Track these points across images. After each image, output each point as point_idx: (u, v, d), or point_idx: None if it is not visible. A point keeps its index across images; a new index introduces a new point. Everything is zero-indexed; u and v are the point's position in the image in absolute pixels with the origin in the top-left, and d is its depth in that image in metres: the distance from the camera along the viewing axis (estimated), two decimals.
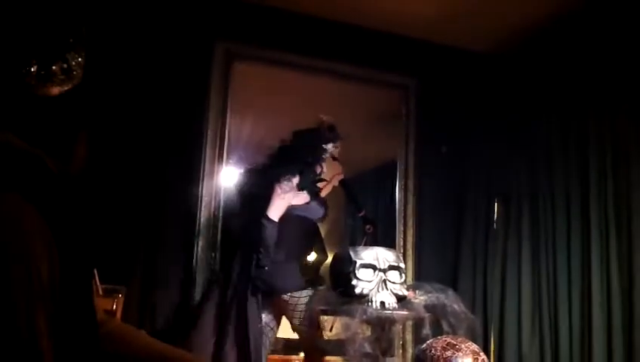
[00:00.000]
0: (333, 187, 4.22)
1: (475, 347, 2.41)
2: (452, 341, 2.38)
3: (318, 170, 3.73)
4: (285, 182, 3.52)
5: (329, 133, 3.93)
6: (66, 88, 1.32)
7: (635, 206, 3.54)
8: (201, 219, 3.89)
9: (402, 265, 3.46)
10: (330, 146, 3.80)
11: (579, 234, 3.83)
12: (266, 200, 3.45)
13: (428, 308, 3.29)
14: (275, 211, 3.46)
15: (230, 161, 4.09)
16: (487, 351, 3.75)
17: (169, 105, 3.87)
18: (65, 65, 1.30)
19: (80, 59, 1.33)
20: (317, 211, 3.76)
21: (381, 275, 3.33)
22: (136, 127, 3.77)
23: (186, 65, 3.96)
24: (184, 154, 3.93)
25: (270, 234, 3.41)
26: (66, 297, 1.23)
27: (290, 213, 3.56)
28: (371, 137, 4.49)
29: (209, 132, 4.02)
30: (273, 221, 3.44)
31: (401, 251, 4.25)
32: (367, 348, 3.02)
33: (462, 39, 4.46)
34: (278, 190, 3.48)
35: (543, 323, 3.94)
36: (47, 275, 1.19)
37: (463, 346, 2.37)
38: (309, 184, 3.67)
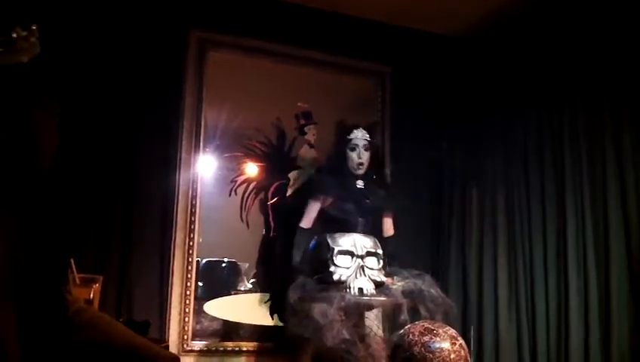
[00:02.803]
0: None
1: (452, 331, 2.43)
2: (430, 326, 2.39)
3: None
4: None
5: (305, 119, 3.95)
6: (8, 62, 1.31)
7: (610, 191, 3.57)
8: (179, 208, 3.88)
9: (380, 252, 3.48)
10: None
11: (554, 218, 3.86)
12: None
13: (405, 293, 3.31)
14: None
15: (207, 150, 4.08)
16: (465, 335, 3.77)
17: (144, 95, 3.84)
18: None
19: (26, 34, 1.32)
20: None
21: (359, 262, 3.35)
22: (111, 117, 3.75)
23: (160, 54, 3.93)
24: (160, 143, 3.90)
25: None
26: (33, 288, 1.21)
27: None
28: (347, 122, 4.49)
29: (185, 121, 4.01)
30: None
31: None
32: (345, 334, 3.04)
33: (436, 24, 4.47)
34: None
35: (520, 307, 3.98)
36: (8, 269, 1.17)
37: (440, 331, 2.38)
38: None
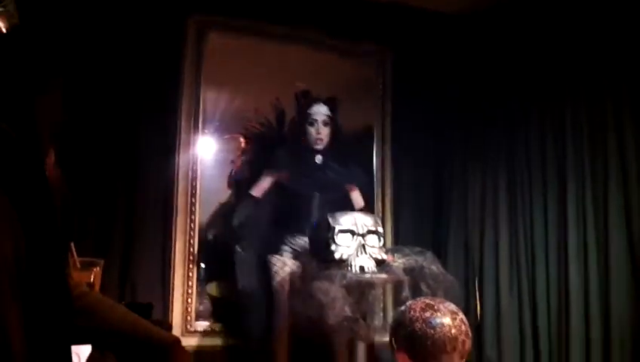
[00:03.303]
0: None
1: (453, 307, 2.43)
2: (430, 302, 2.39)
3: None
4: None
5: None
6: None
7: (611, 162, 3.58)
8: (179, 190, 3.88)
9: (380, 230, 3.49)
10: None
11: (555, 191, 3.87)
12: None
13: (407, 271, 3.32)
14: None
15: (206, 132, 4.07)
16: (467, 311, 3.78)
17: (142, 78, 3.83)
18: None
19: None
20: None
21: (360, 240, 3.36)
22: (110, 100, 3.74)
23: (158, 36, 3.90)
24: (159, 125, 3.90)
25: None
26: (36, 276, 1.21)
27: None
28: (347, 104, 4.46)
29: (183, 102, 3.99)
30: None
31: (380, 215, 4.25)
32: (348, 312, 3.05)
33: (437, 1, 4.42)
34: None
35: (521, 282, 3.99)
36: (12, 256, 1.16)
37: (441, 306, 2.38)
38: None
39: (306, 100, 3.97)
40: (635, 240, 3.46)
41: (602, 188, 3.61)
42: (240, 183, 3.93)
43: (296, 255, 3.63)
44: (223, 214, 3.95)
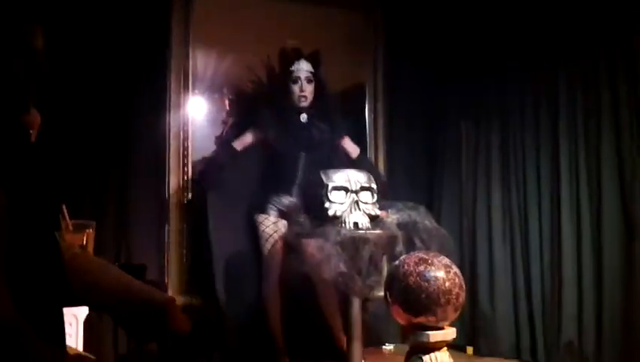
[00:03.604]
0: None
1: (446, 260, 2.44)
2: (424, 256, 2.41)
3: None
4: None
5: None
6: None
7: (604, 117, 3.58)
8: (171, 150, 3.87)
9: (374, 186, 3.48)
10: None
11: (548, 146, 3.87)
12: None
13: (400, 226, 3.33)
14: None
15: (196, 91, 4.04)
16: (461, 265, 3.79)
17: (131, 37, 3.78)
18: None
19: None
20: None
21: (353, 196, 3.36)
22: (100, 59, 3.69)
23: None
24: (150, 86, 3.87)
25: None
26: (26, 240, 1.20)
27: None
28: (339, 61, 4.42)
29: (173, 62, 3.95)
30: None
31: None
32: (343, 268, 3.07)
33: None
34: None
35: (513, 234, 4.02)
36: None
37: (435, 260, 2.40)
38: None
39: (288, 57, 3.88)
40: (627, 193, 3.48)
41: (595, 143, 3.61)
42: (229, 142, 3.87)
43: (283, 213, 3.59)
44: (207, 165, 3.88)
